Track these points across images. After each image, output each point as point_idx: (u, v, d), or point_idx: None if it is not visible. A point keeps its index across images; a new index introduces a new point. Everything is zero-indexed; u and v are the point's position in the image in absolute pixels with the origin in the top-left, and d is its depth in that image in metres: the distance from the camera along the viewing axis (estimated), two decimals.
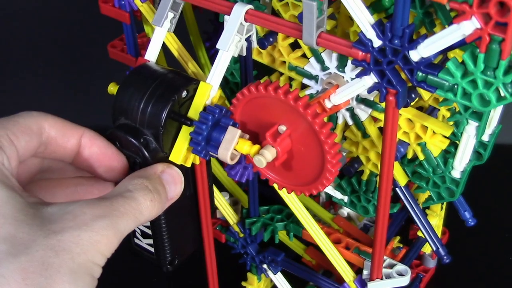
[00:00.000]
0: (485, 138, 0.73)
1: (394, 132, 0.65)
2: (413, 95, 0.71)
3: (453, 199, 0.78)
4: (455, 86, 0.59)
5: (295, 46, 0.75)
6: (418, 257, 0.98)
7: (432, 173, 0.76)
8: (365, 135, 0.76)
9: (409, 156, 0.76)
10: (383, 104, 0.71)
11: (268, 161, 0.64)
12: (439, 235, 0.96)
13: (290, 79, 0.78)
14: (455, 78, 0.58)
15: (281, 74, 0.77)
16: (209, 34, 0.93)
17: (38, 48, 1.32)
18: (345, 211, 0.93)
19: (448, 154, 0.75)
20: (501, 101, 0.57)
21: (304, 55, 0.74)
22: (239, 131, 0.64)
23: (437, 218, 0.90)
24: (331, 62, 0.70)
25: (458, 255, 1.00)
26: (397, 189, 0.79)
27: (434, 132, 0.73)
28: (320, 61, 0.71)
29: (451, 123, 0.72)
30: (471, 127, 0.72)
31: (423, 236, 0.89)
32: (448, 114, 0.74)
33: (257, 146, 0.65)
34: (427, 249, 0.95)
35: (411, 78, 0.60)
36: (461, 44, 0.57)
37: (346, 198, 0.82)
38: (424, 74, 0.60)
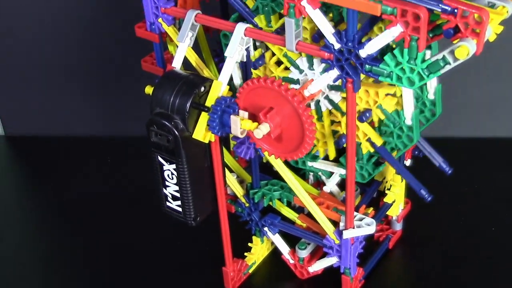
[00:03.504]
0: (431, 96, 1.00)
1: (354, 109, 0.90)
2: None
3: (413, 144, 1.00)
4: (391, 73, 0.84)
5: (280, 63, 1.00)
6: (387, 222, 1.22)
7: (393, 127, 0.99)
8: (343, 114, 1.00)
9: (375, 119, 0.99)
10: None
11: (264, 134, 0.90)
12: (402, 205, 1.21)
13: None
14: (390, 67, 0.84)
15: None
16: (217, 51, 1.18)
17: (77, 63, 1.52)
18: (328, 188, 1.17)
19: (397, 108, 0.98)
20: (422, 81, 0.83)
21: (286, 68, 0.99)
22: (238, 117, 0.90)
23: (398, 187, 1.15)
24: (303, 64, 0.95)
25: (420, 220, 1.25)
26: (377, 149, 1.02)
27: (385, 95, 0.97)
28: (296, 66, 0.96)
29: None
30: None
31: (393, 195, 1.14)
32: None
33: (256, 124, 0.91)
34: (393, 213, 1.19)
35: (361, 69, 0.86)
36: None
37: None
38: (370, 66, 0.85)
